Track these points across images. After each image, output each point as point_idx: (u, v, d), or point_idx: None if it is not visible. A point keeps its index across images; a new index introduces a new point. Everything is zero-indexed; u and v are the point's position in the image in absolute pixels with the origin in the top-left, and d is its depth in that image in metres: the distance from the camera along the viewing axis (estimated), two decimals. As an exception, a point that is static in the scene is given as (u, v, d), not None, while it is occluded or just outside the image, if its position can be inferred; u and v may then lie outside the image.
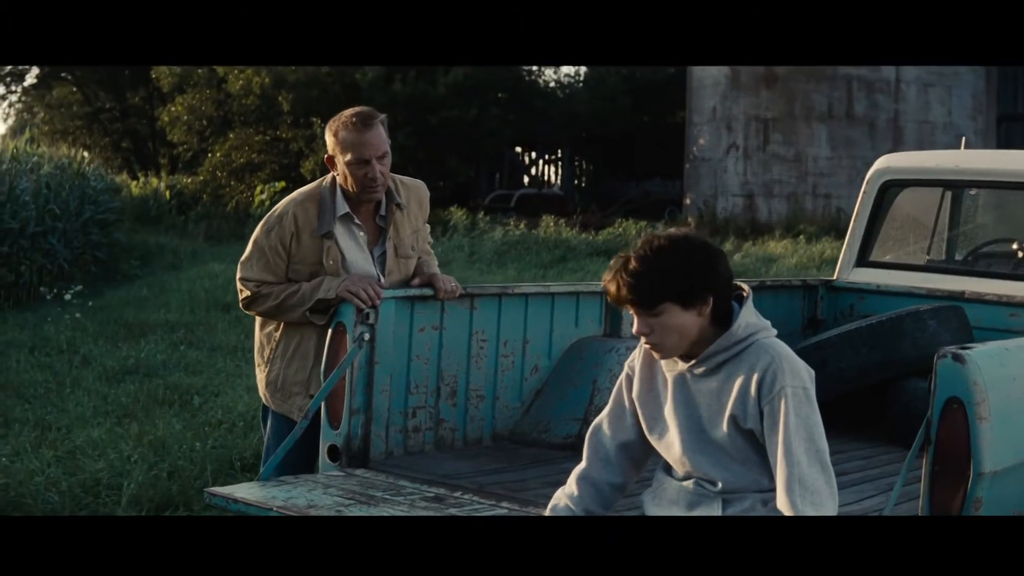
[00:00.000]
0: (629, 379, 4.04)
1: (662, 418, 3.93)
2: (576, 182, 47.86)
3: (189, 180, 34.85)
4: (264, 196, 32.01)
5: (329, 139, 5.36)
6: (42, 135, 39.64)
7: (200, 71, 36.10)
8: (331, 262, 5.34)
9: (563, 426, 5.78)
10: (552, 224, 28.38)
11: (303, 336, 5.39)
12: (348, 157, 5.28)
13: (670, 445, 3.91)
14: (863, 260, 7.26)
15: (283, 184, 33.05)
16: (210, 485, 7.42)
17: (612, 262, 3.80)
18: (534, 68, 40.62)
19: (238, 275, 5.42)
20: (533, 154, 49.91)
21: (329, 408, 5.26)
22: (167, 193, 32.02)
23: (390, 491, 4.86)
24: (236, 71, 34.92)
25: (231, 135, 36.11)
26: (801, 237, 24.16)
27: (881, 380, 6.26)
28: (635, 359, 4.02)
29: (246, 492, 4.80)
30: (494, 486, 5.00)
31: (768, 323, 3.86)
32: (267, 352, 5.51)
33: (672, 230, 3.84)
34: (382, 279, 5.43)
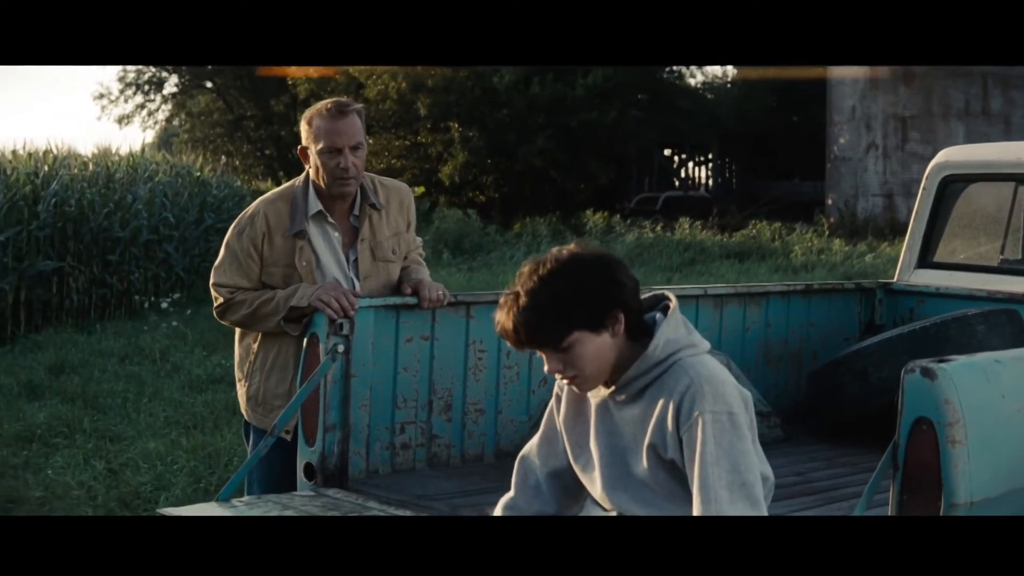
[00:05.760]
0: (558, 400, 3.63)
1: (587, 447, 3.50)
2: (725, 183, 47.23)
3: (330, 186, 34.91)
4: (403, 201, 31.96)
5: (303, 129, 5.07)
6: (182, 143, 40.12)
7: (338, 78, 36.22)
8: (304, 263, 5.03)
9: (570, 441, 5.38)
10: (687, 226, 27.93)
11: (281, 347, 5.08)
12: (320, 145, 4.97)
13: (593, 480, 3.49)
14: (925, 261, 6.74)
15: (422, 189, 33.07)
16: (251, 499, 7.22)
17: (501, 300, 3.33)
18: (675, 69, 40.12)
19: (211, 281, 5.13)
20: (683, 156, 49.40)
21: (305, 424, 4.94)
22: (308, 200, 32.07)
23: (352, 513, 4.52)
24: (374, 76, 34.97)
25: (370, 140, 36.16)
26: (937, 238, 23.36)
27: (926, 392, 5.75)
28: None
29: (197, 513, 4.52)
30: (469, 508, 4.63)
31: (697, 338, 3.38)
32: (246, 366, 5.21)
33: (555, 250, 3.36)
34: (357, 285, 5.10)
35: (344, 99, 5.13)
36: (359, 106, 5.12)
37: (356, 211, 5.16)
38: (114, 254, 16.22)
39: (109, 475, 8.21)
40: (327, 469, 4.93)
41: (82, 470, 8.26)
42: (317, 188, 5.10)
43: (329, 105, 5.03)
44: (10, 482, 8.15)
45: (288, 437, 4.97)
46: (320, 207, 5.09)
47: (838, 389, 5.97)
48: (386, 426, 5.15)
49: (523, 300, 3.26)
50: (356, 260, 5.13)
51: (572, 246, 3.34)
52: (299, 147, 5.13)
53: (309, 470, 4.94)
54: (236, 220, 5.16)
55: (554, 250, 3.33)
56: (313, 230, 5.08)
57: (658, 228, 28.34)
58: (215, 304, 5.13)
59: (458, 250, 26.02)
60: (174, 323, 14.60)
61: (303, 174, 5.19)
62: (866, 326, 6.72)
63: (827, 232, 26.18)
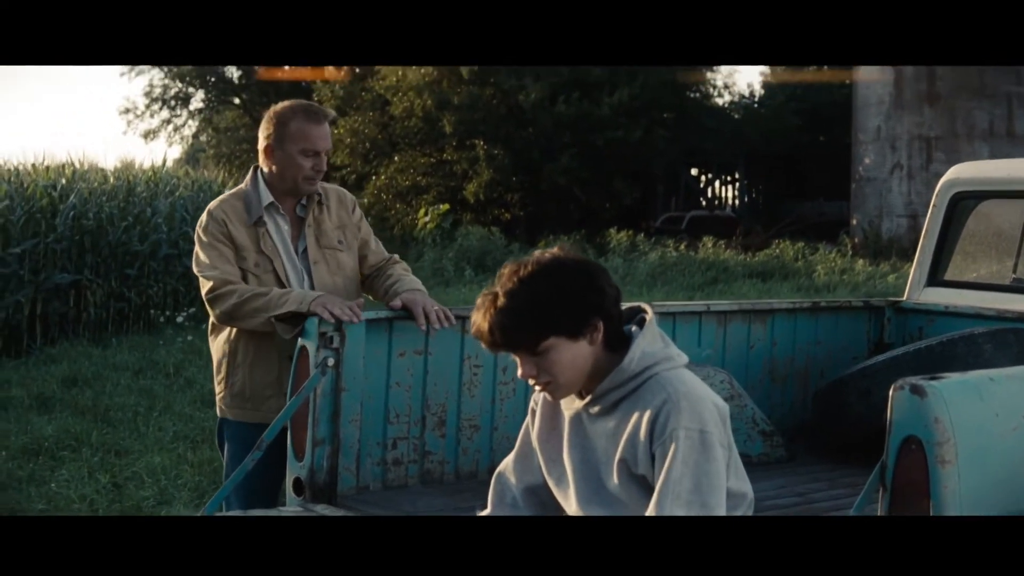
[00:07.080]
0: (533, 415, 3.54)
1: (561, 461, 3.42)
2: (752, 203, 47.01)
3: (354, 203, 34.83)
4: (428, 219, 31.92)
5: (273, 128, 5.19)
6: (208, 159, 40.10)
7: (364, 95, 36.19)
8: (269, 248, 5.15)
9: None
10: (711, 245, 27.79)
11: (261, 341, 5.09)
12: (299, 146, 5.13)
13: (567, 495, 3.40)
14: (935, 279, 6.63)
15: (447, 207, 32.98)
16: (252, 515, 7.16)
17: (479, 301, 3.26)
18: (701, 88, 39.98)
19: (196, 271, 5.17)
20: (710, 175, 49.18)
21: (294, 438, 4.87)
22: (332, 216, 31.99)
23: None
24: (400, 94, 34.92)
25: (396, 157, 36.12)
26: (960, 258, 23.14)
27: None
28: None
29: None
30: (457, 526, 4.54)
31: (674, 351, 3.29)
32: (225, 366, 5.21)
33: (538, 252, 3.28)
34: (305, 277, 5.19)
35: (317, 104, 5.39)
36: (333, 114, 5.36)
37: (303, 201, 5.28)
38: (132, 268, 16.17)
39: (113, 489, 8.17)
40: (316, 484, 4.85)
41: (86, 483, 8.22)
42: (269, 184, 5.23)
43: (311, 108, 5.23)
44: (13, 495, 8.11)
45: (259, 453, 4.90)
46: (272, 199, 5.21)
47: (843, 408, 5.86)
48: (378, 441, 5.07)
49: (501, 301, 3.19)
50: (305, 250, 5.24)
51: (555, 250, 3.26)
52: (265, 145, 5.23)
53: (298, 485, 4.87)
54: (197, 224, 5.25)
55: (536, 253, 3.26)
56: (267, 220, 5.21)
57: (681, 247, 28.18)
58: (204, 290, 5.11)
59: (480, 267, 25.97)
60: (189, 337, 14.56)
61: (248, 177, 5.32)
62: (875, 345, 6.60)
63: (850, 252, 26.06)
